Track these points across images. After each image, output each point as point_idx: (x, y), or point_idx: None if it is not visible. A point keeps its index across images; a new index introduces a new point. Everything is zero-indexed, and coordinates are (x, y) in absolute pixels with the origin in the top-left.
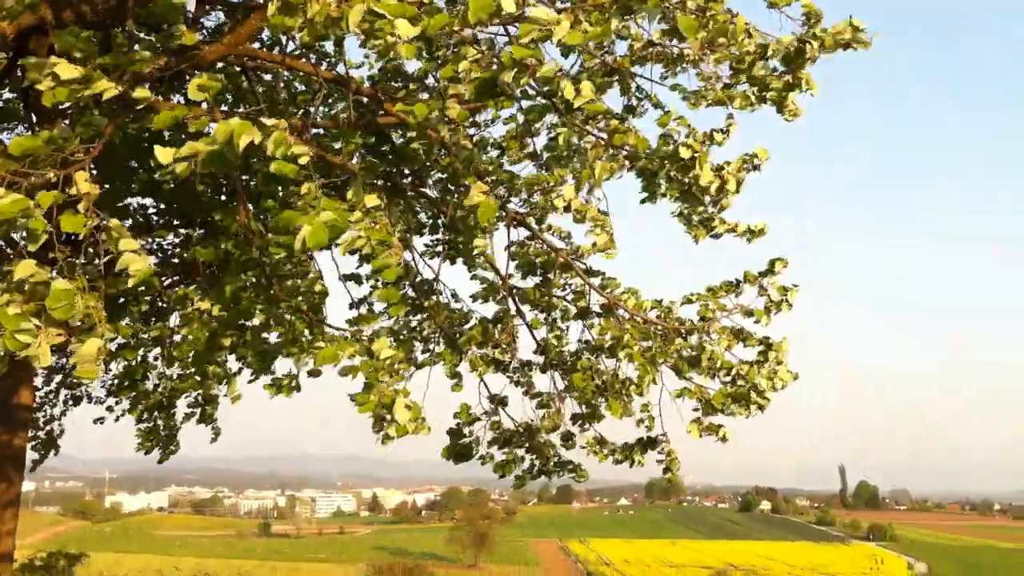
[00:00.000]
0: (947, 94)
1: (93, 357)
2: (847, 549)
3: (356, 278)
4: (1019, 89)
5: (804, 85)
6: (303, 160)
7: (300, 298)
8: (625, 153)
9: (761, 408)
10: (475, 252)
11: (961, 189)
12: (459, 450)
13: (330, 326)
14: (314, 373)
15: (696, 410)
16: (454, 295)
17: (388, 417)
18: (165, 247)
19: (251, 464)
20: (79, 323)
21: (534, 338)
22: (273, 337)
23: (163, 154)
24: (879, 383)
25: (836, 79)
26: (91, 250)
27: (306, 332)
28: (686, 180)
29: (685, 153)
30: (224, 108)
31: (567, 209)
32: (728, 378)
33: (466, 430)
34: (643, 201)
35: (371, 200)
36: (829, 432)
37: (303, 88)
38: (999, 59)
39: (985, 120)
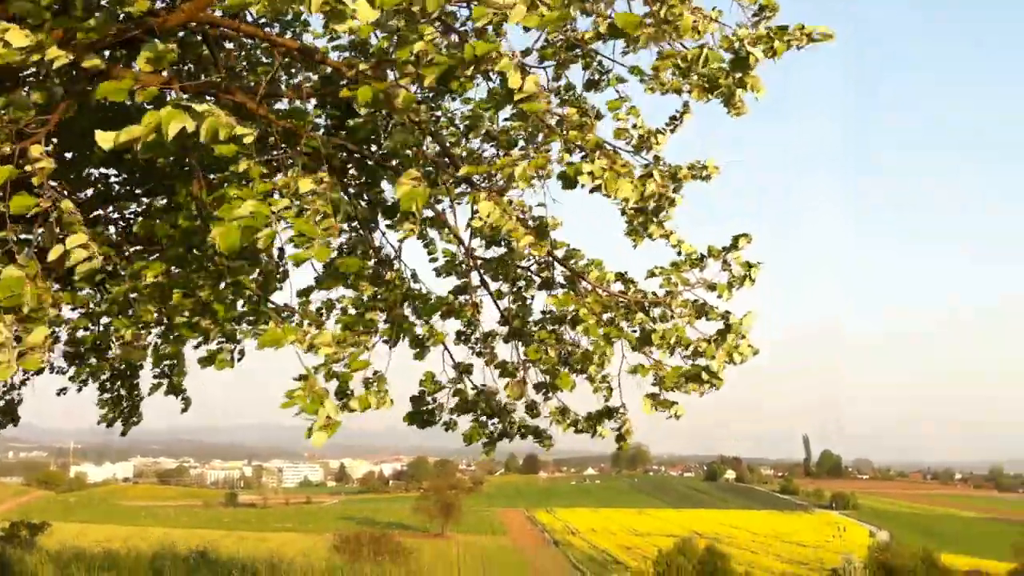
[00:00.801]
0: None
1: (40, 345)
2: (810, 518)
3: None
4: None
5: (750, 88)
6: (248, 140)
7: (247, 275)
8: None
9: (715, 387)
10: (400, 238)
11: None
12: (421, 415)
13: (274, 304)
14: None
15: (654, 384)
16: (414, 275)
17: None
18: (128, 217)
19: (217, 434)
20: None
21: (498, 308)
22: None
23: (103, 139)
24: (843, 353)
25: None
26: (43, 231)
27: (251, 310)
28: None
29: (584, 180)
30: (184, 78)
31: (487, 217)
32: (687, 353)
33: (430, 398)
34: (564, 187)
35: (305, 184)
36: (794, 402)
37: (267, 60)
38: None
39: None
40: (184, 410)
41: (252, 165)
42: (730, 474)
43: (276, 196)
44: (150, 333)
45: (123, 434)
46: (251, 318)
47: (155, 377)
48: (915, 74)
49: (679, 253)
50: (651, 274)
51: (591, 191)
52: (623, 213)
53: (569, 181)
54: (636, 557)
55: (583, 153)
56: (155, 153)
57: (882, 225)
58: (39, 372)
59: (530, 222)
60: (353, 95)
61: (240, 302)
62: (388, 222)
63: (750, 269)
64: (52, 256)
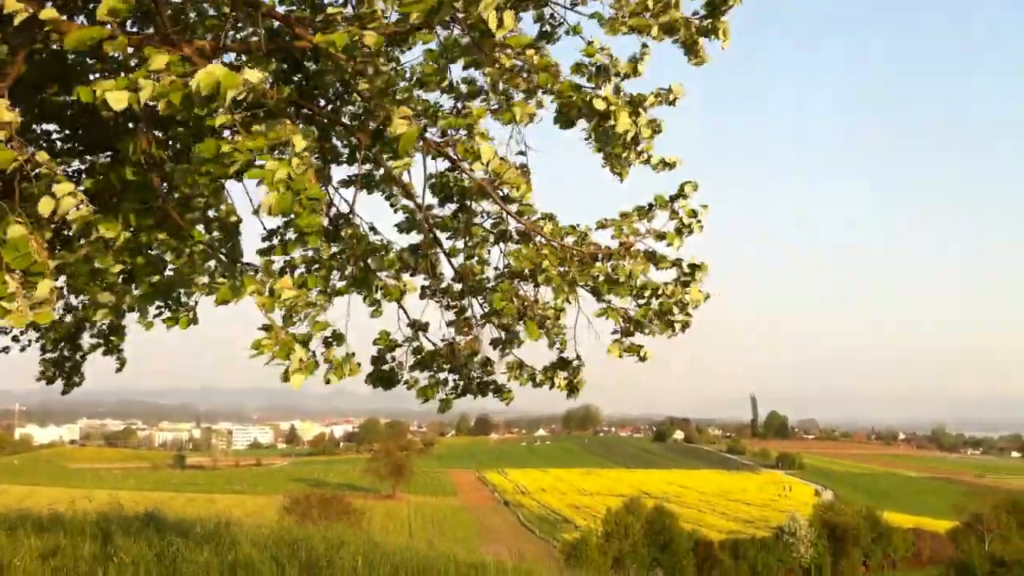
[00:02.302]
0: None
1: (47, 299)
2: (757, 477)
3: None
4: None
5: (720, 35)
6: (257, 88)
7: (205, 229)
8: (548, 95)
9: (685, 326)
10: (394, 170)
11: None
12: (383, 375)
13: (234, 260)
14: (225, 303)
15: (615, 332)
16: (372, 228)
17: (287, 361)
18: (71, 174)
19: (165, 396)
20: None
21: (452, 265)
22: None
23: (116, 100)
24: (791, 315)
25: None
26: (24, 186)
27: (210, 265)
28: (604, 128)
29: (599, 105)
30: (131, 31)
31: (485, 168)
32: (653, 297)
33: (388, 356)
34: (556, 122)
35: (300, 142)
36: (741, 363)
37: (213, 12)
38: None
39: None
40: (118, 370)
41: (230, 119)
42: (679, 435)
43: (278, 154)
44: (113, 292)
45: (64, 393)
46: (211, 272)
47: (92, 336)
48: None
49: (664, 166)
50: (601, 225)
51: (597, 123)
52: (599, 150)
53: (568, 119)
54: (585, 516)
55: (551, 94)
56: (185, 113)
57: (828, 191)
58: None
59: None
60: (329, 40)
61: (207, 261)
62: (344, 177)
63: (696, 216)
64: (43, 209)
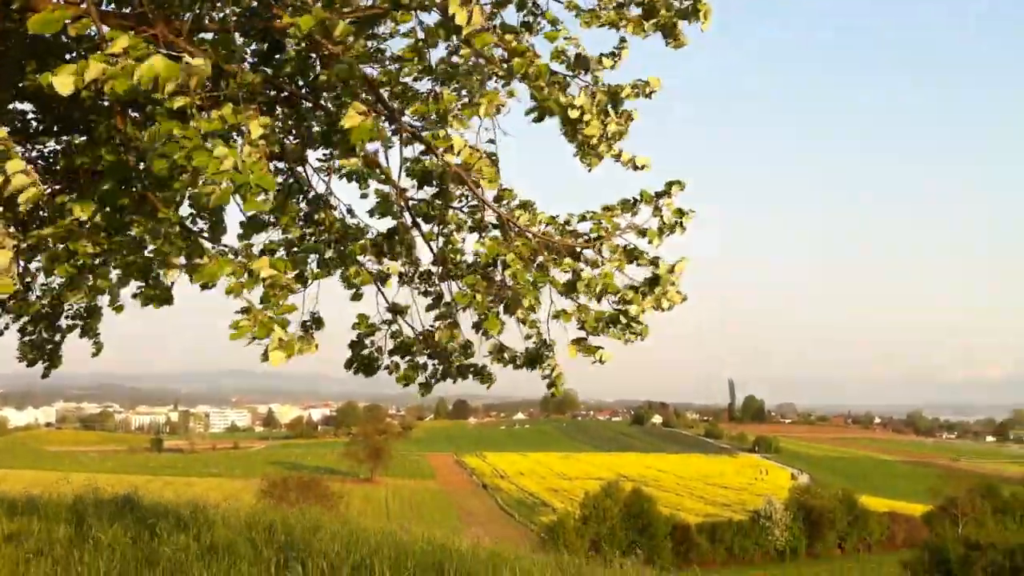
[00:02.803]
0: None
1: (6, 269)
2: (734, 461)
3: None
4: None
5: (700, 17)
6: (195, 81)
7: (182, 209)
8: (523, 84)
9: (640, 336)
10: (343, 172)
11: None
12: (362, 361)
13: (208, 239)
14: (206, 285)
15: (581, 329)
16: (349, 210)
17: (266, 341)
18: (47, 154)
19: (142, 380)
20: None
21: (431, 249)
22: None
23: (63, 84)
24: (769, 300)
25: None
26: None
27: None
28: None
29: (573, 114)
30: (104, 7)
31: (458, 155)
32: (614, 300)
33: (366, 340)
34: (527, 113)
35: (256, 129)
36: (720, 347)
37: None
38: None
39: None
40: (95, 354)
41: (189, 102)
42: (657, 418)
43: (234, 139)
44: (85, 273)
45: (44, 376)
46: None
47: (67, 318)
48: None
49: (635, 167)
50: (582, 218)
51: (572, 122)
52: (573, 139)
53: (543, 114)
54: (564, 500)
55: (527, 80)
56: (128, 96)
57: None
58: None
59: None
60: (294, 23)
61: (176, 239)
62: (319, 158)
63: (682, 216)
64: None
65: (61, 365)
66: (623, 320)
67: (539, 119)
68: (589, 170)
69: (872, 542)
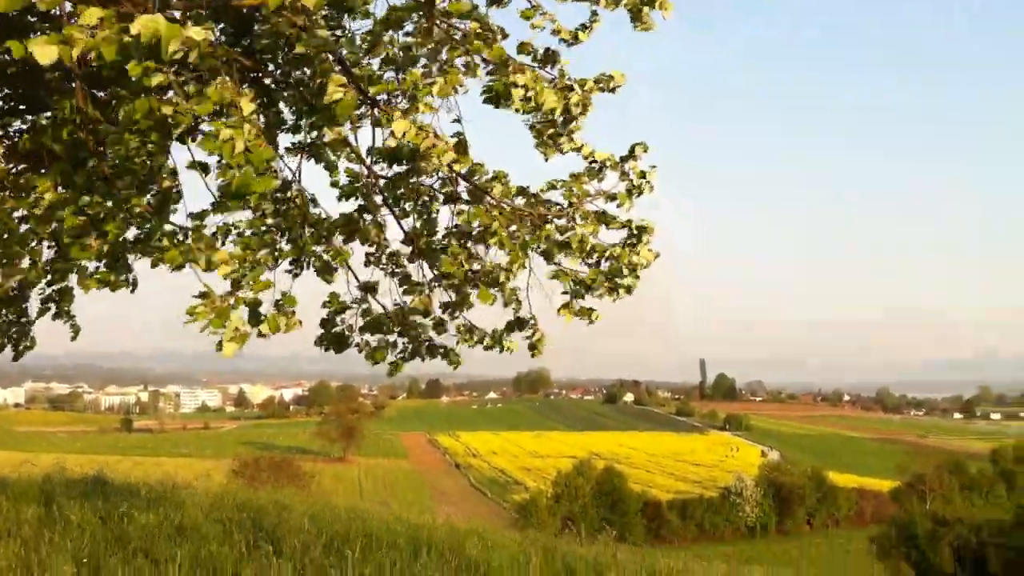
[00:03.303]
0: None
1: None
2: (705, 438)
3: (204, 167)
4: None
5: (659, 6)
6: (198, 50)
7: (140, 191)
8: (484, 64)
9: (629, 290)
10: (327, 140)
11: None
12: (333, 339)
13: (172, 225)
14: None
15: (565, 293)
16: (313, 200)
17: (223, 328)
18: (12, 134)
19: (112, 359)
20: None
21: (401, 228)
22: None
23: (43, 54)
24: (740, 280)
25: None
26: None
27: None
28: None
29: (517, 93)
30: None
31: (402, 137)
32: (602, 260)
33: (337, 319)
34: (486, 102)
35: (247, 105)
36: (691, 326)
37: None
38: None
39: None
40: (73, 338)
41: (166, 79)
42: (629, 397)
43: (226, 118)
44: (41, 253)
45: (15, 359)
46: (143, 239)
47: (42, 302)
48: None
49: (593, 163)
50: (551, 186)
51: (520, 104)
52: (532, 128)
53: (495, 97)
54: (536, 478)
55: (490, 67)
56: (121, 63)
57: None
58: None
59: (447, 139)
60: (263, 1)
61: (132, 222)
62: (288, 144)
63: (645, 177)
64: None
65: (35, 348)
66: (625, 272)
67: (492, 102)
68: (546, 160)
69: (841, 518)
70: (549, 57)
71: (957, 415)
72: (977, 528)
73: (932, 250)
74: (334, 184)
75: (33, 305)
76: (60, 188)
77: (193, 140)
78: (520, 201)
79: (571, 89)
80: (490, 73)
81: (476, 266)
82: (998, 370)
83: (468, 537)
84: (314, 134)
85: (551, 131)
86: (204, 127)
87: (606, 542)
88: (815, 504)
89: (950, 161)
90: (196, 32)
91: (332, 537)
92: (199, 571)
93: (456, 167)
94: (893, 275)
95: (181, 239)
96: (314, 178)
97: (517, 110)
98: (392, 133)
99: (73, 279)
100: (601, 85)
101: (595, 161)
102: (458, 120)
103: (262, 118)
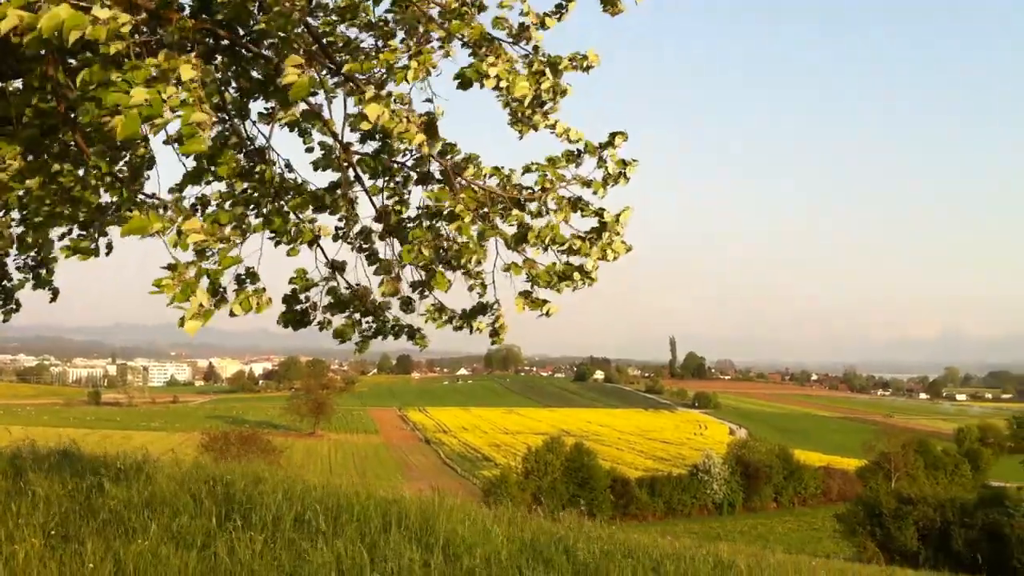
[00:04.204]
0: None
1: None
2: (674, 416)
3: (180, 140)
4: None
5: None
6: (125, 30)
7: (112, 160)
8: (462, 42)
9: (588, 284)
10: (284, 122)
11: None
12: (295, 316)
13: (144, 195)
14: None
15: (527, 282)
16: (288, 165)
17: (187, 304)
18: None
19: (79, 332)
20: None
21: (373, 205)
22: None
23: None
24: (710, 259)
25: None
26: None
27: (114, 198)
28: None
29: (489, 84)
30: None
31: (376, 121)
32: (562, 250)
33: (302, 296)
34: (459, 87)
35: (187, 71)
36: (662, 304)
37: None
38: None
39: None
40: (52, 299)
41: (124, 48)
42: (599, 375)
43: (164, 84)
44: (10, 223)
45: (3, 321)
46: (115, 207)
47: (19, 270)
48: None
49: (568, 140)
50: (527, 169)
51: (493, 88)
52: (506, 105)
53: (466, 82)
54: (506, 454)
55: (467, 46)
56: (41, 48)
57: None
58: None
59: (417, 119)
60: None
61: (104, 191)
62: (261, 111)
63: (625, 167)
64: None
65: (19, 310)
66: (577, 276)
67: (463, 87)
68: (520, 137)
69: (807, 496)
70: (523, 32)
71: (923, 395)
72: (941, 507)
73: (902, 233)
74: (309, 150)
75: (12, 272)
76: (29, 156)
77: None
78: (493, 182)
79: (543, 74)
80: (469, 54)
81: (442, 246)
82: (965, 351)
83: (438, 512)
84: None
85: (527, 110)
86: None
87: (575, 518)
88: (782, 482)
89: (918, 143)
90: (102, 12)
91: (304, 509)
92: (169, 543)
93: (425, 149)
94: (863, 257)
95: (154, 208)
96: (288, 145)
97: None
98: (364, 116)
99: (57, 248)
100: (575, 64)
101: (572, 141)
102: (430, 100)
103: (234, 84)
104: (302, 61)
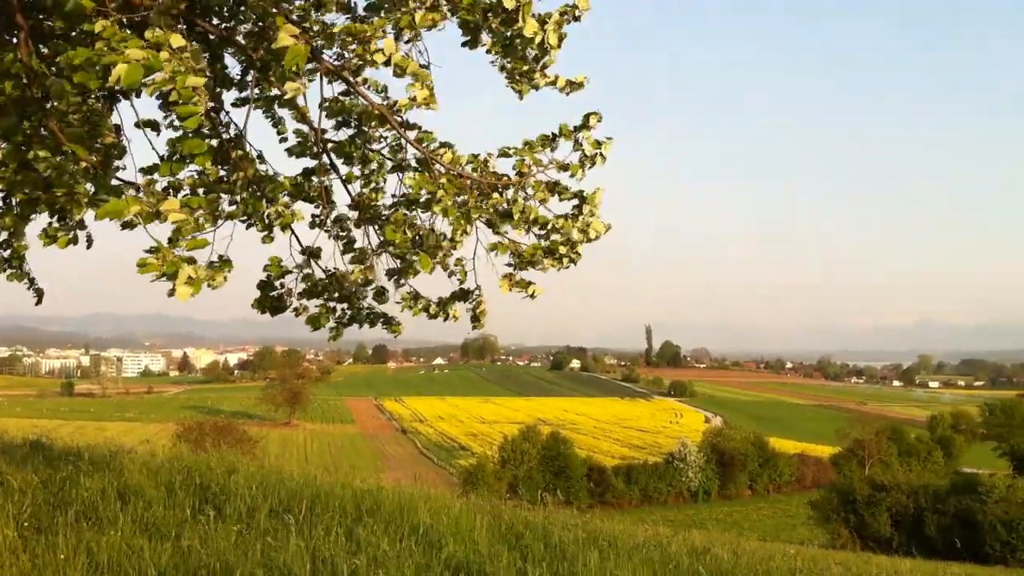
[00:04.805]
0: None
1: None
2: (649, 404)
3: (153, 125)
4: None
5: None
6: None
7: (86, 146)
8: (447, 4)
9: (573, 261)
10: (286, 96)
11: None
12: (271, 303)
13: (119, 179)
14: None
15: (509, 265)
16: (260, 157)
17: (174, 281)
18: None
19: (52, 323)
20: None
21: (348, 193)
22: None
23: None
24: (686, 245)
25: None
26: None
27: (88, 185)
28: (509, 33)
29: (509, 4)
30: None
31: (387, 64)
32: (543, 232)
33: (277, 283)
34: (464, 45)
35: (176, 40)
36: (638, 293)
37: None
38: None
39: None
40: (38, 302)
41: (110, 25)
42: (575, 363)
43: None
44: None
45: None
46: (91, 192)
47: None
48: None
49: (567, 93)
50: (503, 154)
51: (500, 24)
52: (502, 69)
53: (473, 28)
54: (482, 444)
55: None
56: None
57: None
58: None
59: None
60: None
61: (81, 176)
62: (234, 99)
63: (600, 147)
64: None
65: None
66: (563, 250)
67: (472, 33)
68: (520, 98)
69: (782, 483)
70: None
71: (896, 383)
72: (914, 493)
73: (876, 220)
74: (282, 139)
75: None
76: (2, 142)
77: (138, 96)
78: (470, 168)
79: (545, 23)
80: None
81: (418, 233)
82: (938, 339)
83: (415, 501)
84: (258, 90)
85: (524, 68)
86: (145, 80)
87: (551, 506)
88: (757, 469)
89: (899, 130)
90: None
91: (278, 501)
92: (142, 534)
93: (429, 106)
94: (836, 244)
95: (128, 193)
96: (260, 135)
97: (489, 51)
98: (388, 62)
99: (32, 236)
100: (566, 16)
101: (575, 86)
102: (426, 66)
103: (208, 73)
104: (296, 31)
